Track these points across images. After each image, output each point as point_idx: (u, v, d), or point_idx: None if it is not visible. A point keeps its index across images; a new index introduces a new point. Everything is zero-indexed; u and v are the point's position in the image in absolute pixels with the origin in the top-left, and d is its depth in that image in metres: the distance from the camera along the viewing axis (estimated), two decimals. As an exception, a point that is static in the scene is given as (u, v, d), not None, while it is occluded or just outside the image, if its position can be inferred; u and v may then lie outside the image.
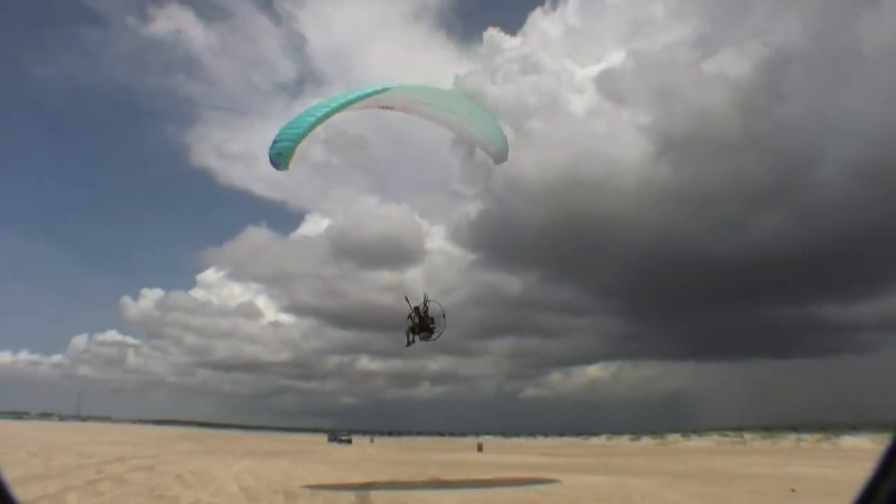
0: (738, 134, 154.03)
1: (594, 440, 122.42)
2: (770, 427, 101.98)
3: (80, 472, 17.25)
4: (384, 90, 16.26)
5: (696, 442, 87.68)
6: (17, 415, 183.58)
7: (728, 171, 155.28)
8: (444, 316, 18.86)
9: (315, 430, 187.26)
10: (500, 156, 20.29)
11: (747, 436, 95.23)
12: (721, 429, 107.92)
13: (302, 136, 15.07)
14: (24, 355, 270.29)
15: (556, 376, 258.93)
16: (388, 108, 17.64)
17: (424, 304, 18.62)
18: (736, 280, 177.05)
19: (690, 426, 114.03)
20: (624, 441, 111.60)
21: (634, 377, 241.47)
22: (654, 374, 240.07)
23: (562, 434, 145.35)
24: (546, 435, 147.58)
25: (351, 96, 15.83)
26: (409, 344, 18.98)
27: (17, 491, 11.52)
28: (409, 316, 18.63)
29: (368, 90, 16.01)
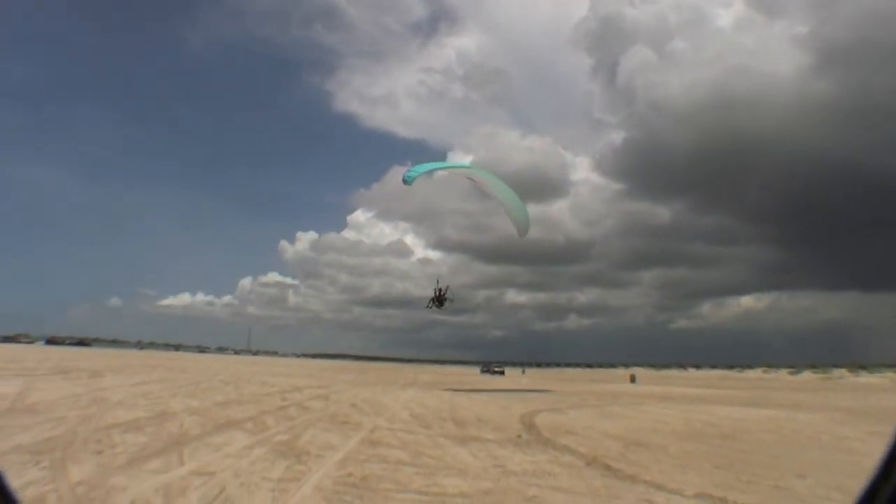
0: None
1: (749, 373, 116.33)
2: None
3: (268, 399, 19.25)
4: (469, 167, 32.20)
5: (865, 378, 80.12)
6: (201, 349, 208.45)
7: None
8: (452, 300, 32.64)
9: (465, 363, 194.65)
10: (523, 230, 31.24)
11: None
12: (894, 366, 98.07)
13: (420, 175, 28.10)
14: (200, 297, 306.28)
15: (707, 307, 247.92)
16: (470, 179, 31.61)
17: (439, 289, 32.30)
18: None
19: (856, 361, 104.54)
20: (782, 375, 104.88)
21: (791, 308, 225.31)
22: (813, 305, 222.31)
23: (714, 366, 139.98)
24: (698, 367, 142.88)
25: (451, 165, 32.33)
26: (427, 307, 32.95)
27: (225, 411, 13.05)
28: (434, 295, 32.31)
29: (464, 164, 33.87)
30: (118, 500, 6.23)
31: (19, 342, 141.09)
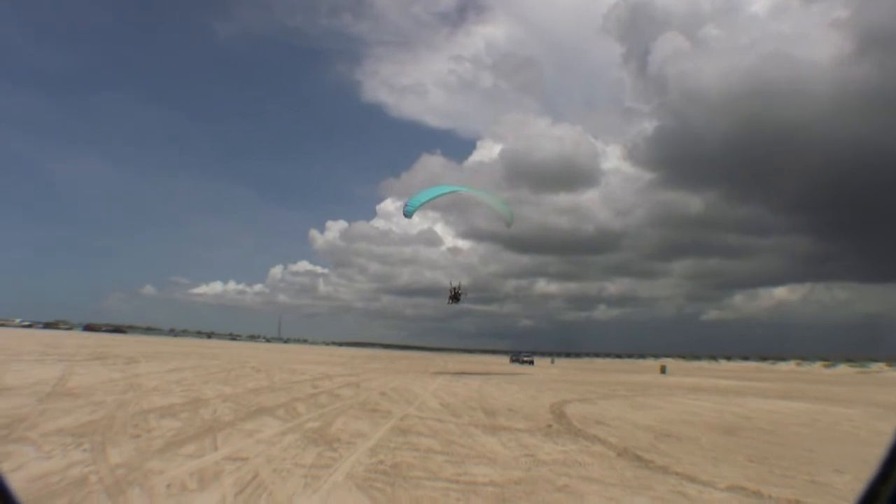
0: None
1: (782, 365, 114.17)
2: None
3: (299, 387, 19.56)
4: (457, 189, 36.30)
5: (905, 372, 78.11)
6: (232, 336, 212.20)
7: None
8: (466, 293, 37.76)
9: (494, 352, 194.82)
10: (509, 221, 37.87)
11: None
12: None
13: (421, 206, 33.67)
14: (232, 285, 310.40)
15: (739, 298, 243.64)
16: (459, 195, 36.87)
17: (454, 287, 37.21)
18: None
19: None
20: (817, 368, 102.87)
21: (827, 300, 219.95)
22: (849, 298, 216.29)
23: (746, 358, 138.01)
24: (729, 359, 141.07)
25: (442, 190, 35.16)
26: (449, 303, 37.49)
27: (257, 398, 13.31)
28: (451, 292, 37.26)
29: (453, 188, 36.49)
30: (155, 482, 6.42)
31: (59, 328, 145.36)
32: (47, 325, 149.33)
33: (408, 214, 33.53)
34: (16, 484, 6.06)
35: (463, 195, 37.25)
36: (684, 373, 65.46)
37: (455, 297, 37.07)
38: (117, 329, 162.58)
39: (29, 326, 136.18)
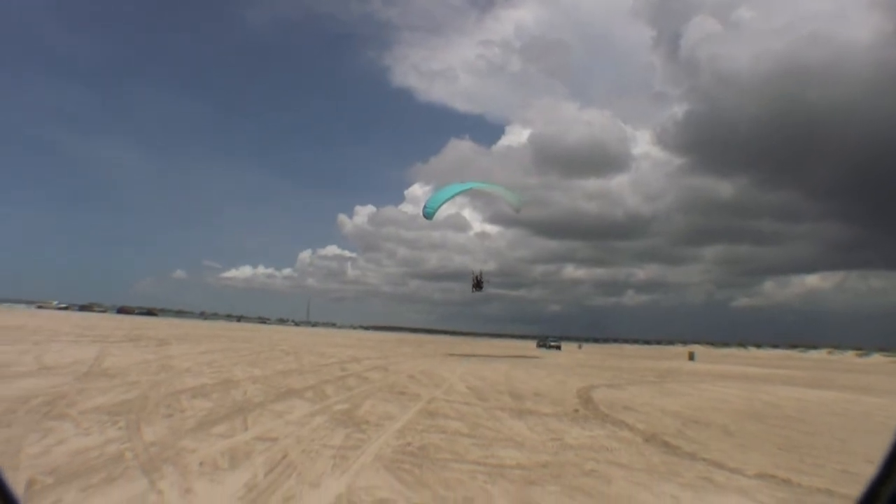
0: None
1: (813, 354, 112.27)
2: None
3: (327, 370, 19.86)
4: (471, 186, 38.09)
5: (943, 364, 76.04)
6: (262, 320, 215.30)
7: None
8: (486, 281, 38.59)
9: (522, 337, 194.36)
10: (517, 207, 39.21)
11: None
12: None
13: (439, 207, 35.23)
14: (261, 269, 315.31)
15: (770, 285, 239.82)
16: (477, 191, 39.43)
17: (476, 276, 38.27)
18: None
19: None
20: (849, 356, 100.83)
21: (861, 288, 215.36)
22: (884, 286, 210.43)
23: (776, 346, 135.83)
24: (759, 346, 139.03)
25: (457, 188, 36.97)
26: (473, 290, 38.50)
27: (286, 380, 13.56)
28: (473, 280, 38.31)
29: (467, 185, 38.07)
30: (188, 460, 6.63)
31: (93, 311, 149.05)
32: (82, 308, 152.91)
33: (429, 217, 35.32)
34: (58, 458, 6.34)
35: (477, 191, 39.74)
36: (713, 360, 64.76)
37: (478, 284, 38.47)
38: (149, 312, 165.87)
39: (65, 309, 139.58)
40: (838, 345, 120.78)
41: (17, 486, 5.37)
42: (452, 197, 36.77)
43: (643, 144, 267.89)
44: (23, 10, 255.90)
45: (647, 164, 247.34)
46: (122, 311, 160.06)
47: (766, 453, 9.20)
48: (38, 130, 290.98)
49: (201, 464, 6.54)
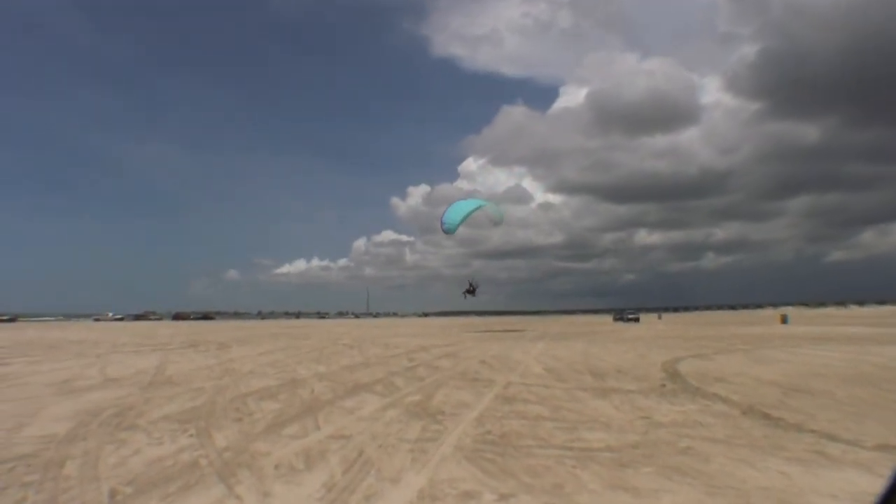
0: None
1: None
2: None
3: (394, 361, 20.19)
4: (485, 204, 44.31)
5: None
6: (321, 315, 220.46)
7: None
8: (477, 287, 45.37)
9: (596, 311, 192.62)
10: (497, 221, 44.99)
11: None
12: None
13: (460, 224, 40.81)
14: (315, 262, 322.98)
15: (868, 235, 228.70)
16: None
17: (471, 284, 44.66)
18: None
19: None
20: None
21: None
22: None
23: (882, 302, 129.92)
24: (861, 303, 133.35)
25: (474, 205, 42.73)
26: (464, 296, 45.15)
27: (353, 375, 13.83)
28: (467, 287, 44.92)
29: (480, 202, 44.57)
30: (263, 464, 6.88)
31: (149, 319, 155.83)
32: (137, 318, 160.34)
33: (451, 232, 39.16)
34: (135, 468, 6.68)
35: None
36: (808, 322, 62.45)
37: (471, 290, 43.07)
38: (205, 316, 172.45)
39: (121, 319, 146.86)
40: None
41: (100, 496, 5.71)
42: (469, 215, 41.46)
43: (712, 92, 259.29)
44: (44, 10, 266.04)
45: (718, 114, 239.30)
46: (177, 317, 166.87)
47: (885, 422, 8.80)
48: (75, 137, 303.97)
49: (277, 466, 6.77)
